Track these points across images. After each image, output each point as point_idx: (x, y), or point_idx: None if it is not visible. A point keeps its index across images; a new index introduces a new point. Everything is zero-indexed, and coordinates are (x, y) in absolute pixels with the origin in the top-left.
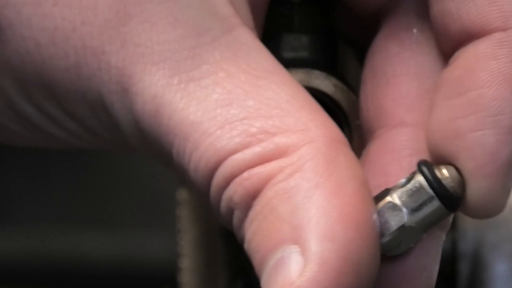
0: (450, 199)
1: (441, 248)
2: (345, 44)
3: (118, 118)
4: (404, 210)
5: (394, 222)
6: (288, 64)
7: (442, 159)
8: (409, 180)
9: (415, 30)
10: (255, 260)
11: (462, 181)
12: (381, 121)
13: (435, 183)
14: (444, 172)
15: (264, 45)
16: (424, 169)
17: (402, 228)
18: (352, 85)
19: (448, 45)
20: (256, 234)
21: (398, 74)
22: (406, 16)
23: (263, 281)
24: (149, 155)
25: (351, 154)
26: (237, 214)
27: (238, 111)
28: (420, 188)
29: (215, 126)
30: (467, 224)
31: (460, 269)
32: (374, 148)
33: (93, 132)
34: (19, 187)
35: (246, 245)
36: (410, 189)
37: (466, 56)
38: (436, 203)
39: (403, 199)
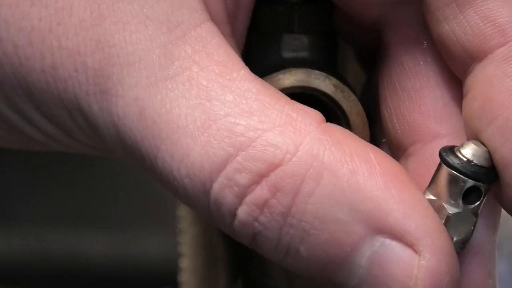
0: (479, 173)
1: (495, 252)
2: (345, 44)
3: (95, 120)
4: (443, 201)
5: (440, 216)
6: (288, 64)
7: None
8: (436, 173)
9: (425, 42)
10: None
11: (485, 152)
12: (413, 137)
13: (458, 166)
14: (464, 152)
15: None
16: (444, 156)
17: (449, 218)
18: (352, 85)
19: (457, 70)
20: (318, 248)
21: (419, 87)
22: (411, 27)
23: (361, 279)
24: (126, 160)
25: (338, 127)
26: (267, 234)
27: (219, 107)
28: (451, 177)
29: (201, 128)
30: None
31: None
32: (414, 165)
33: (72, 136)
34: (19, 187)
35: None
36: (441, 181)
37: (478, 83)
38: (470, 183)
39: (437, 192)
